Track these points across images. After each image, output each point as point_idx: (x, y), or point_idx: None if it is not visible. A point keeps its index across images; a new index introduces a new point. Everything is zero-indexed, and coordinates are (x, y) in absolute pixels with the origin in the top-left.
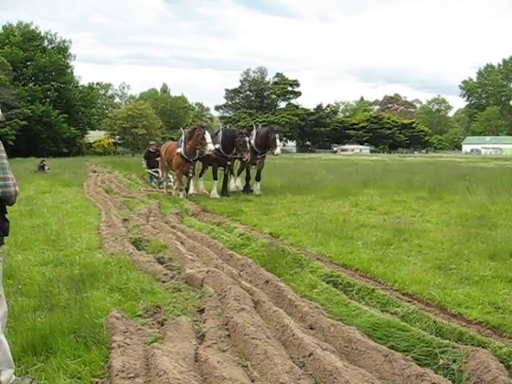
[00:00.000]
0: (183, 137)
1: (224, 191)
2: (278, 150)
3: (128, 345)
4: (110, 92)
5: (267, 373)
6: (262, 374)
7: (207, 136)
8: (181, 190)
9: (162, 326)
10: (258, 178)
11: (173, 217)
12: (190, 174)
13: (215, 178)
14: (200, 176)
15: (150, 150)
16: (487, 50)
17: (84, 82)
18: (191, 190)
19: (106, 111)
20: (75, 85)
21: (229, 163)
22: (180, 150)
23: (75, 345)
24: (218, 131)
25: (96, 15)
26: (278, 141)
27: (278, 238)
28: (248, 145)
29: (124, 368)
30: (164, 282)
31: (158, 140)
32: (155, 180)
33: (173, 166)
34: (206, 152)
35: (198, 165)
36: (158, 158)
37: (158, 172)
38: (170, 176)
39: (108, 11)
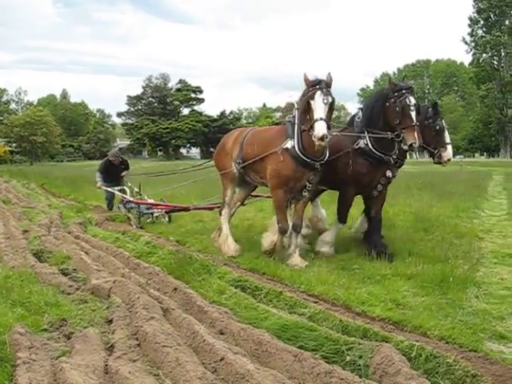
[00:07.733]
0: (296, 115)
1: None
2: (449, 152)
3: (34, 361)
4: (4, 98)
5: (179, 380)
6: (175, 382)
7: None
8: (283, 233)
9: (69, 339)
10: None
11: (76, 227)
12: (306, 199)
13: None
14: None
15: (111, 158)
16: (377, 58)
17: None
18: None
19: (1, 118)
20: None
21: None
22: (291, 143)
23: None
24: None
25: None
26: (447, 135)
27: (185, 245)
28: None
29: None
30: (69, 293)
31: (58, 148)
32: (122, 205)
33: (265, 180)
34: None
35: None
36: (124, 173)
37: (125, 191)
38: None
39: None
